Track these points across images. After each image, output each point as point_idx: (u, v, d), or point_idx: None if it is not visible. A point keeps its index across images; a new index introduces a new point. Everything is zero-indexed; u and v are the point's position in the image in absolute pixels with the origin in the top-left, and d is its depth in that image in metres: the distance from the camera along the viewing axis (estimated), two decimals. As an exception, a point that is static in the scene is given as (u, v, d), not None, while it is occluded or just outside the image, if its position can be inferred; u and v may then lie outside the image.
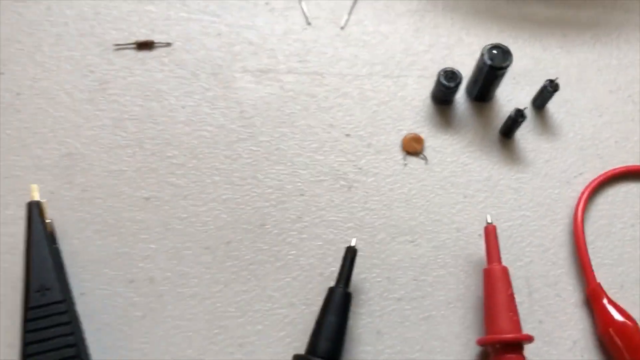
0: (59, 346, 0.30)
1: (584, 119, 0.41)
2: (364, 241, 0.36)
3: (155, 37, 0.40)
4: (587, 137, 0.40)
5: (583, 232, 0.37)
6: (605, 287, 0.35)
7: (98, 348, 0.33)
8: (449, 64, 0.42)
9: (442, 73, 0.38)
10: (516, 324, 0.33)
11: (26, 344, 0.30)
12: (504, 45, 0.37)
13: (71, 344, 0.30)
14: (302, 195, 0.37)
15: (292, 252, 0.36)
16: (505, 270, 0.34)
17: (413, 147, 0.39)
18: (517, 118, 0.38)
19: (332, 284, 0.35)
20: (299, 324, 0.34)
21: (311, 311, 0.34)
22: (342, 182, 0.38)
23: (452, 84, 0.38)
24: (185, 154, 0.38)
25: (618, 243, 0.37)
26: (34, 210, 0.32)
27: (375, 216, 0.37)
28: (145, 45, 0.40)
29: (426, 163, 0.39)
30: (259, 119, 0.39)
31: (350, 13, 0.43)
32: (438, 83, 0.39)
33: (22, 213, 0.35)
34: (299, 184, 0.38)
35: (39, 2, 0.41)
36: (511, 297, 0.34)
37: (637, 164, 0.39)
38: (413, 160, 0.39)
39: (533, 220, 0.38)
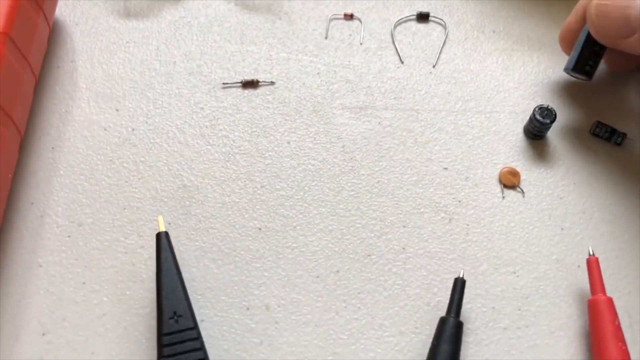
0: (193, 370, 0.32)
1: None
2: (468, 272, 0.37)
3: (259, 76, 0.43)
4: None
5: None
6: None
7: (217, 373, 0.34)
8: (538, 100, 0.43)
9: (537, 110, 0.40)
10: (626, 354, 0.34)
11: (162, 367, 0.31)
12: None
13: (203, 368, 0.32)
14: (404, 227, 0.39)
15: (399, 282, 0.37)
16: (610, 301, 0.35)
17: (510, 180, 0.40)
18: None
19: (439, 313, 0.36)
20: (409, 351, 0.35)
21: (420, 339, 0.36)
22: (443, 215, 0.39)
23: (547, 120, 0.40)
24: (292, 186, 0.39)
25: None
26: (163, 241, 0.34)
27: (477, 248, 0.38)
28: (250, 84, 0.42)
29: (523, 196, 0.40)
30: (359, 153, 0.41)
31: (440, 52, 0.45)
32: (533, 119, 0.40)
33: (142, 242, 0.37)
34: (401, 215, 0.39)
35: (149, 43, 0.44)
36: (618, 328, 0.34)
37: None
38: (510, 193, 0.40)
39: (630, 251, 0.39)
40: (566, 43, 0.42)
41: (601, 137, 0.42)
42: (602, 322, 0.34)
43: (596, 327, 0.35)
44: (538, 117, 0.40)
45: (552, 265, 0.38)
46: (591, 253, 0.36)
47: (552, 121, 0.40)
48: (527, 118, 0.42)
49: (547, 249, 0.38)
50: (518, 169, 0.41)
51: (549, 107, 0.40)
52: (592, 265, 0.36)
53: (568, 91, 0.44)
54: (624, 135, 0.41)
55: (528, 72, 0.44)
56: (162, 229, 0.35)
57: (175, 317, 0.32)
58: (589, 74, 0.40)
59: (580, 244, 0.39)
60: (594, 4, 0.37)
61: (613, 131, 0.41)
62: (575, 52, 0.41)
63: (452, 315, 0.35)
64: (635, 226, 0.39)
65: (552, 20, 0.46)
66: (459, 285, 0.35)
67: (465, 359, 0.35)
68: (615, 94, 0.44)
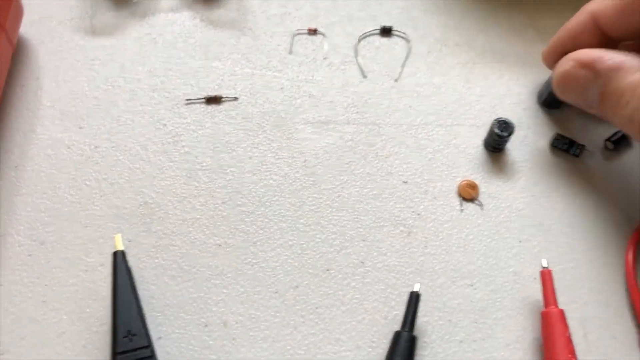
0: (146, 388, 0.32)
1: (632, 170, 0.42)
2: (425, 285, 0.38)
3: (223, 92, 0.43)
4: (636, 185, 0.42)
5: (635, 274, 0.38)
6: (661, 329, 0.36)
7: (176, 389, 0.35)
8: (499, 113, 0.44)
9: (495, 123, 0.40)
10: (576, 366, 0.34)
11: (116, 386, 0.32)
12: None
13: (157, 386, 0.32)
14: (364, 240, 0.39)
15: (357, 296, 0.38)
16: (562, 313, 0.36)
17: (468, 193, 0.40)
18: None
19: (395, 327, 0.36)
20: (366, 365, 0.36)
21: (377, 353, 0.36)
22: (402, 228, 0.40)
23: (505, 133, 0.40)
24: (254, 202, 0.40)
25: (671, 286, 0.38)
26: (119, 259, 0.35)
27: (435, 261, 0.39)
28: (214, 100, 0.43)
29: (482, 209, 0.40)
30: (321, 167, 0.41)
31: (403, 66, 0.45)
32: (492, 132, 0.41)
33: (102, 260, 0.38)
34: (361, 229, 0.40)
35: (114, 61, 0.44)
36: (569, 339, 0.35)
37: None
38: (469, 206, 0.40)
39: (586, 262, 0.39)
40: (546, 63, 0.42)
41: (560, 149, 0.42)
42: (553, 334, 0.35)
43: (548, 338, 0.35)
44: (496, 130, 0.40)
45: (509, 277, 0.39)
46: (545, 265, 0.37)
47: (511, 134, 0.40)
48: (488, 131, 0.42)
49: (504, 261, 0.39)
50: (477, 182, 0.41)
51: (507, 121, 0.41)
52: (545, 277, 0.36)
53: (529, 104, 0.44)
54: (583, 147, 0.42)
55: (489, 85, 0.45)
56: (120, 247, 0.35)
57: (129, 335, 0.33)
58: (556, 108, 0.43)
59: (538, 256, 0.39)
60: (556, 77, 0.39)
61: (572, 143, 0.42)
62: (545, 90, 0.43)
63: (407, 329, 0.35)
64: (592, 237, 0.40)
65: (515, 32, 0.47)
66: (414, 299, 0.36)
67: (421, 373, 0.36)
68: (575, 107, 0.44)
